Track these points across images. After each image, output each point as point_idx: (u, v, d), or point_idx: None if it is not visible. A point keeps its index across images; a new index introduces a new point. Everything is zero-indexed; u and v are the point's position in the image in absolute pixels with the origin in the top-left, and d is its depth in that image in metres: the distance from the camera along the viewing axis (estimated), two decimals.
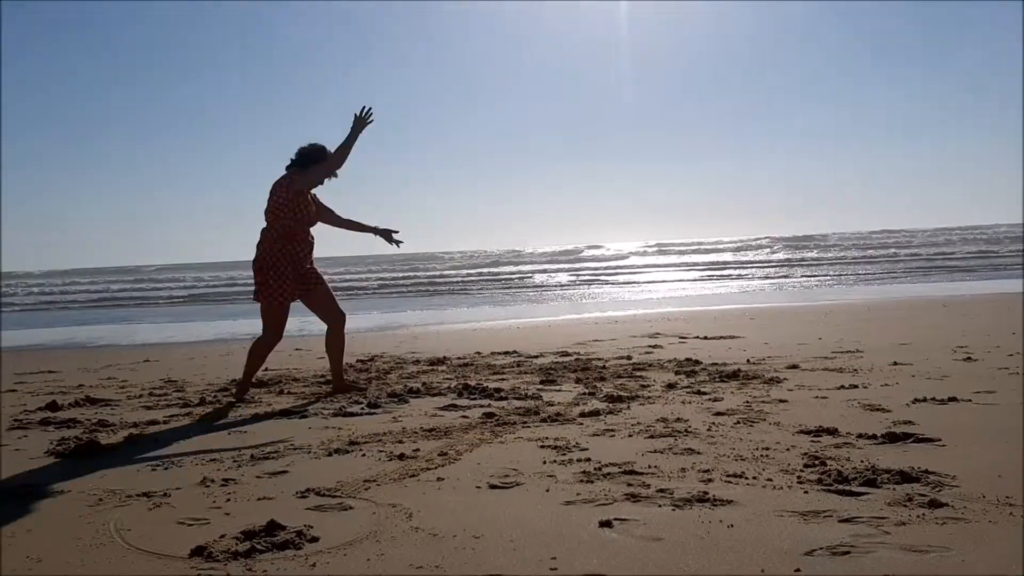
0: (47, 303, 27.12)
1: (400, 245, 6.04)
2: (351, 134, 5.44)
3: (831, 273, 25.98)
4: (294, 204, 5.45)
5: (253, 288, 5.61)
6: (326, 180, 5.61)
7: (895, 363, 6.12)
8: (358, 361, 7.60)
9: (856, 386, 5.20)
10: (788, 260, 35.28)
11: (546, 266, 39.74)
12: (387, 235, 6.01)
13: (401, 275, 35.20)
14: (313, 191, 5.68)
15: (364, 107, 5.44)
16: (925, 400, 4.59)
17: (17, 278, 54.57)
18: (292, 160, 5.56)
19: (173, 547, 2.59)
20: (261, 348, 5.56)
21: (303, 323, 12.30)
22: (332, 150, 5.52)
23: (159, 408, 5.36)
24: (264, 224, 5.52)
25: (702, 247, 54.67)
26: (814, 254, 38.54)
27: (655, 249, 55.94)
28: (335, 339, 5.78)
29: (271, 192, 5.49)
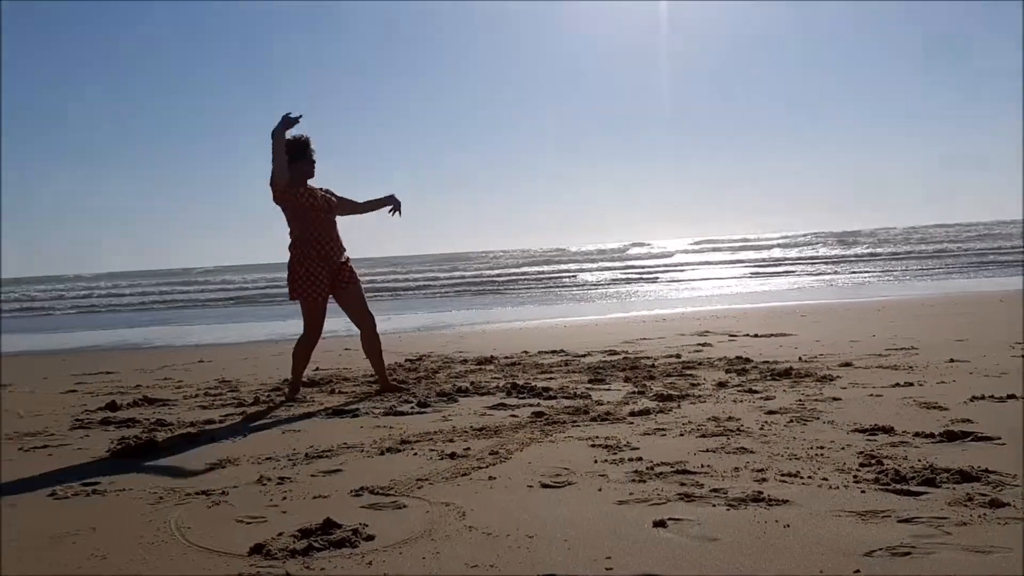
0: (100, 305, 27.73)
1: (398, 215, 6.03)
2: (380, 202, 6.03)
3: (882, 268, 25.52)
4: (292, 201, 5.53)
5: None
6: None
7: (951, 360, 5.99)
8: (407, 360, 7.66)
9: (911, 384, 5.11)
10: (839, 256, 34.72)
11: (592, 264, 39.61)
12: (396, 207, 6.02)
13: (445, 275, 35.35)
14: (330, 188, 5.84)
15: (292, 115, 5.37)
16: (983, 398, 4.49)
17: (68, 281, 55.86)
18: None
19: (232, 545, 2.64)
20: (303, 347, 5.70)
21: (350, 323, 12.42)
22: (307, 148, 5.59)
23: (214, 408, 5.46)
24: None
25: (748, 243, 54.06)
26: (864, 249, 37.88)
27: (701, 246, 55.46)
28: (369, 341, 5.87)
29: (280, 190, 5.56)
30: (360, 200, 6.04)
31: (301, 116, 5.35)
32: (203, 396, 6.01)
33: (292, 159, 5.50)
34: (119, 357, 9.85)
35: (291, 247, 5.63)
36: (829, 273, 24.96)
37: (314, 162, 5.64)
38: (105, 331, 15.72)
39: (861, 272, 24.42)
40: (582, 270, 34.81)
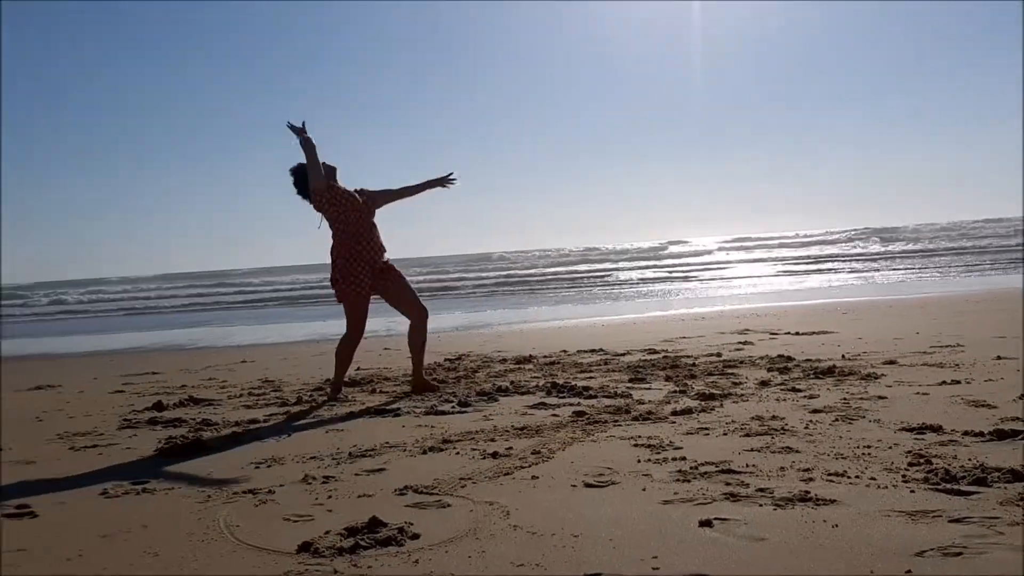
0: (146, 308, 28.20)
1: (455, 183, 6.03)
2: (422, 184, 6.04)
3: (923, 265, 25.12)
4: (335, 205, 5.66)
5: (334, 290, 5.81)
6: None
7: (999, 357, 5.88)
8: (446, 360, 7.69)
9: (959, 381, 5.02)
10: (879, 253, 34.23)
11: (628, 263, 39.46)
12: (443, 182, 6.02)
13: (481, 275, 35.42)
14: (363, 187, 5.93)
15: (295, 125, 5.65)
16: None
17: (111, 284, 56.84)
18: (294, 182, 5.85)
19: (280, 543, 2.67)
20: (346, 347, 5.80)
21: (391, 323, 12.51)
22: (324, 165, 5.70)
23: (258, 407, 5.54)
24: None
25: (786, 241, 53.48)
26: (904, 246, 37.30)
27: (739, 244, 54.99)
28: (417, 334, 5.87)
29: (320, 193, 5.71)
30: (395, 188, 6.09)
31: (304, 122, 5.64)
32: (247, 396, 6.09)
33: (305, 182, 5.71)
34: (164, 358, 10.01)
35: (333, 248, 5.73)
36: (870, 270, 24.62)
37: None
38: (149, 332, 15.97)
39: (902, 268, 24.05)
40: (618, 269, 34.69)
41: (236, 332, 14.51)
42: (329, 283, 5.81)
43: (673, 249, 54.07)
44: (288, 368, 7.89)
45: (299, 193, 5.82)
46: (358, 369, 7.38)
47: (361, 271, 5.64)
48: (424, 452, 3.91)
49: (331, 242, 5.74)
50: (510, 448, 3.88)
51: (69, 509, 3.24)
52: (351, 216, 5.65)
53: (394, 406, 5.24)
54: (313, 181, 5.60)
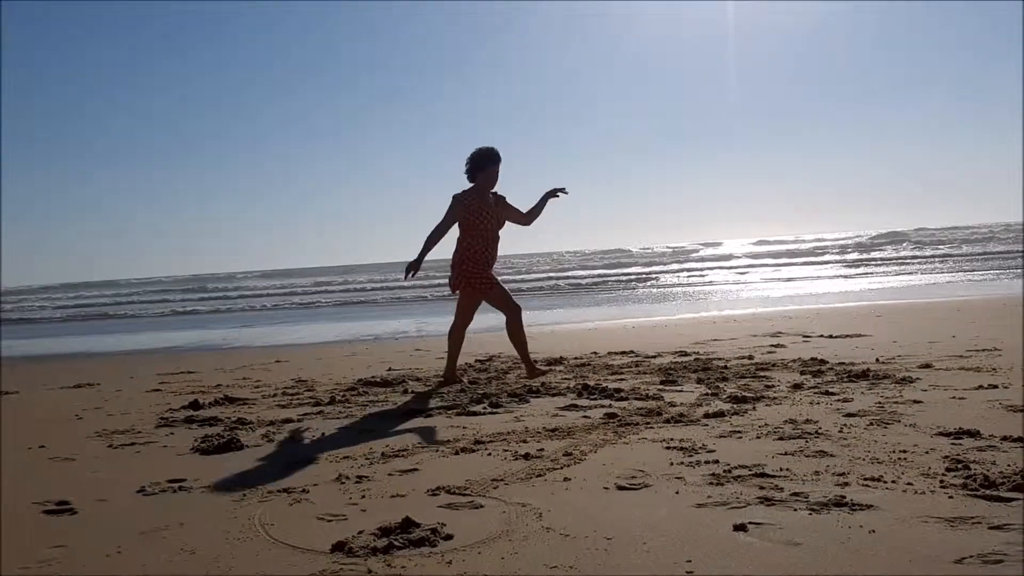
0: (182, 311, 28.54)
1: (566, 193, 6.64)
2: (540, 203, 6.61)
3: (958, 267, 24.73)
4: (474, 216, 6.26)
5: (449, 281, 6.47)
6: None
7: None
8: (476, 361, 7.72)
9: (996, 386, 4.95)
10: (915, 256, 33.77)
11: (659, 266, 39.26)
12: (555, 194, 6.62)
13: (515, 276, 35.42)
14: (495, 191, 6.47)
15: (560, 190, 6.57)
16: None
17: (151, 284, 57.56)
18: (467, 168, 6.34)
19: (315, 542, 2.69)
20: (455, 336, 6.55)
21: (421, 324, 12.57)
22: (490, 157, 6.31)
23: (292, 407, 5.58)
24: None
25: (819, 243, 52.95)
26: (940, 249, 36.76)
27: (770, 246, 54.51)
28: (514, 330, 6.41)
29: (451, 206, 6.28)
30: (524, 210, 6.62)
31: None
32: (281, 395, 6.15)
33: (477, 168, 6.29)
34: (199, 357, 10.13)
35: (459, 245, 6.38)
36: (904, 272, 24.30)
37: (496, 172, 6.35)
38: (185, 332, 16.16)
39: (938, 271, 23.71)
40: (650, 271, 34.54)
41: (270, 332, 14.63)
42: (452, 266, 6.41)
43: (704, 252, 53.73)
44: (321, 368, 7.95)
45: (469, 175, 6.36)
46: (389, 370, 7.42)
47: (479, 272, 6.30)
48: (456, 453, 3.92)
49: (458, 239, 6.39)
50: (541, 449, 3.88)
51: (108, 506, 3.29)
52: (483, 229, 6.28)
53: (426, 407, 5.25)
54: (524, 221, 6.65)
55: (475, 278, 6.30)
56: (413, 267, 6.16)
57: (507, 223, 6.57)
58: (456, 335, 6.53)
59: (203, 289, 41.92)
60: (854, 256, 36.09)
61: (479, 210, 6.25)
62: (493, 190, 6.42)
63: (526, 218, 6.60)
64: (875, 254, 36.42)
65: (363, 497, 3.23)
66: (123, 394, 6.75)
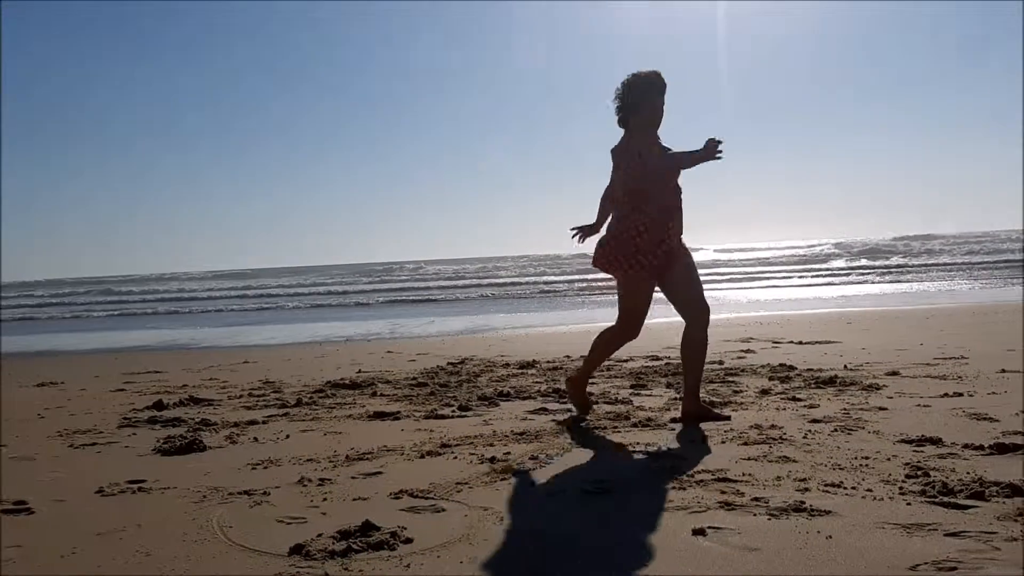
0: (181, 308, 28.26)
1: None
2: (695, 155, 4.35)
3: (932, 276, 25.02)
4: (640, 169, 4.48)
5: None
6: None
7: (1003, 371, 5.84)
8: (448, 363, 7.69)
9: (961, 394, 4.99)
10: (887, 265, 34.13)
11: None
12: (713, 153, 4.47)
13: (486, 280, 35.40)
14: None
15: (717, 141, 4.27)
16: None
17: (141, 281, 57.02)
18: (618, 110, 4.56)
19: (273, 545, 2.66)
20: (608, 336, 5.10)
21: (394, 325, 12.52)
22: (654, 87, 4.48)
23: (258, 408, 5.53)
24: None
25: (794, 249, 53.35)
26: (911, 258, 37.17)
27: (745, 252, 54.86)
28: (688, 344, 4.87)
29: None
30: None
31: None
32: (247, 396, 6.09)
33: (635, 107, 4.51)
34: (166, 357, 10.03)
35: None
36: (876, 281, 24.53)
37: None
38: (154, 331, 16.01)
39: (910, 279, 23.97)
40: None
41: (239, 332, 14.52)
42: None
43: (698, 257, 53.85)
44: (290, 369, 7.89)
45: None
46: (359, 372, 7.38)
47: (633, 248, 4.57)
48: (422, 456, 3.90)
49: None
50: (508, 453, 3.87)
51: (66, 507, 3.24)
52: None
53: (394, 409, 5.22)
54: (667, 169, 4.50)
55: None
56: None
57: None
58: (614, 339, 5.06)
59: (176, 288, 41.55)
60: (830, 264, 36.40)
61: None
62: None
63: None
64: (851, 262, 36.74)
65: (324, 500, 3.20)
66: (87, 393, 6.67)
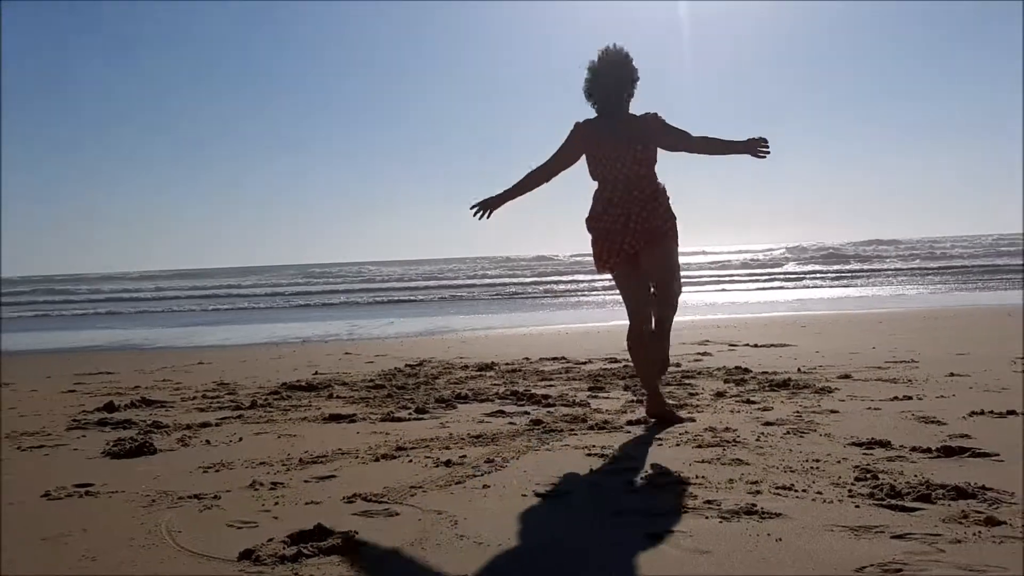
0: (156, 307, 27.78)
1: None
2: (735, 145, 4.38)
3: (886, 281, 25.47)
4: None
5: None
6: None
7: (952, 374, 5.96)
8: (407, 365, 7.65)
9: (911, 397, 5.08)
10: (842, 269, 34.66)
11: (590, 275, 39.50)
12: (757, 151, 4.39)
13: (443, 281, 35.34)
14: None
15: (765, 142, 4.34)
16: (983, 413, 4.46)
17: (82, 281, 55.97)
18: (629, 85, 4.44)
19: (222, 549, 2.63)
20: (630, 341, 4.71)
21: (353, 326, 12.43)
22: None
23: (212, 410, 5.46)
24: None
25: (752, 253, 53.99)
26: (865, 263, 37.81)
27: (706, 255, 55.38)
28: (651, 341, 4.57)
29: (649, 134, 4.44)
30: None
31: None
32: (201, 398, 6.01)
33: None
34: (119, 358, 9.86)
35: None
36: (832, 285, 24.91)
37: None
38: (108, 331, 15.73)
39: (865, 284, 24.37)
40: (584, 277, 34.77)
41: (194, 333, 14.33)
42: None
43: None
44: (246, 371, 7.80)
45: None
46: (316, 373, 7.31)
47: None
48: (376, 459, 3.87)
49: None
50: (464, 456, 3.86)
51: (11, 510, 3.16)
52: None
53: (350, 412, 5.18)
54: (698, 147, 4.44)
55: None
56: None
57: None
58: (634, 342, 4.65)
59: (125, 288, 40.88)
60: (785, 268, 36.88)
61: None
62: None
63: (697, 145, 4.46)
64: (805, 266, 37.27)
65: (276, 504, 3.16)
66: (37, 394, 6.52)
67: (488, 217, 4.53)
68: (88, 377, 7.62)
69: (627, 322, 4.71)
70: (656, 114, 4.49)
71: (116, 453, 4.13)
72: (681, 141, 4.47)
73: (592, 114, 4.54)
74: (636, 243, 4.39)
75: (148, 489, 3.44)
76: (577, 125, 4.48)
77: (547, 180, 4.58)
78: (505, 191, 4.56)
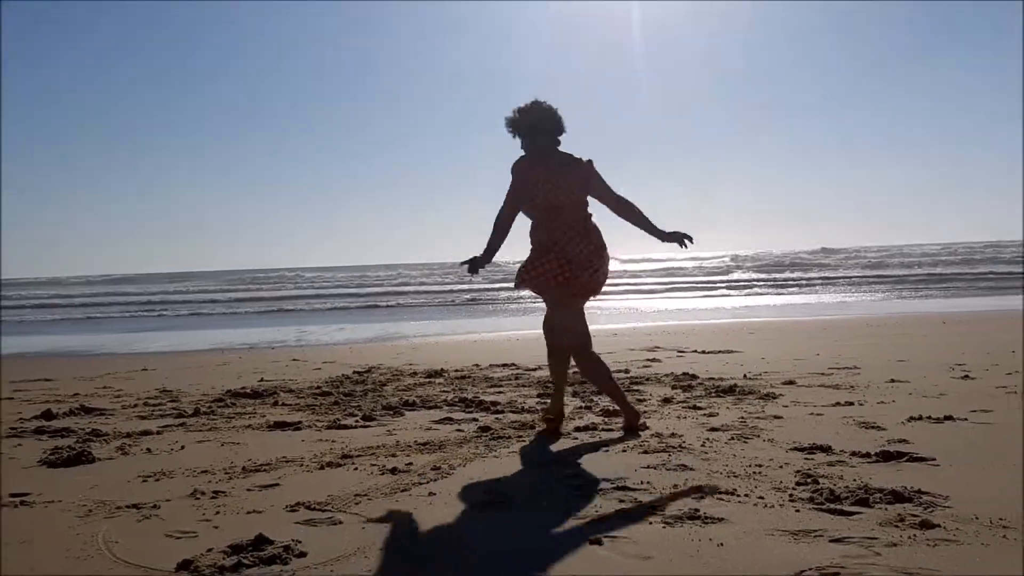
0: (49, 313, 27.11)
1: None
2: (658, 232, 4.65)
3: (830, 288, 25.96)
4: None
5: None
6: None
7: (892, 380, 6.10)
8: (354, 372, 7.59)
9: (852, 403, 5.18)
10: (790, 277, 35.24)
11: None
12: (682, 242, 4.66)
13: (399, 286, 35.16)
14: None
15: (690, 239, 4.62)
16: (921, 418, 4.57)
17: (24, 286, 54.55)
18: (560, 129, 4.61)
19: (160, 560, 2.57)
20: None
21: (301, 332, 12.28)
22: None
23: (153, 418, 5.35)
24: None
25: (703, 260, 54.64)
26: (812, 272, 38.51)
27: (653, 262, 55.89)
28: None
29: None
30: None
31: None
32: (142, 406, 5.88)
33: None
34: (59, 364, 9.61)
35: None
36: (779, 293, 25.32)
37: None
38: (47, 336, 15.35)
39: (810, 292, 24.81)
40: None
41: (138, 339, 14.04)
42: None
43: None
44: (189, 377, 7.66)
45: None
46: (261, 380, 7.21)
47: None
48: (321, 467, 3.83)
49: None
50: (410, 464, 3.84)
51: None
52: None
53: (295, 419, 5.12)
54: None
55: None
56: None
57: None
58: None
59: (67, 293, 39.96)
60: (732, 276, 37.37)
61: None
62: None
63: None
64: (753, 274, 37.80)
65: (217, 513, 3.11)
66: None
67: (477, 273, 4.64)
68: (26, 384, 7.42)
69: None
70: (591, 161, 4.60)
71: (53, 462, 4.02)
72: (606, 195, 4.64)
73: (519, 149, 4.62)
74: (596, 270, 4.56)
75: (85, 499, 3.36)
76: (524, 159, 4.52)
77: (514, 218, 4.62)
78: (488, 248, 4.58)
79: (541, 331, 4.81)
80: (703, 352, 8.55)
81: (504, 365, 7.88)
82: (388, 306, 24.13)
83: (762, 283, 30.43)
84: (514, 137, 4.63)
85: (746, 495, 3.12)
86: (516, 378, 6.89)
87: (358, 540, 2.74)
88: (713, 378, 6.44)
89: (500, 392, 6.13)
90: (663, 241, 4.66)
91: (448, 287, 34.11)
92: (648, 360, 7.92)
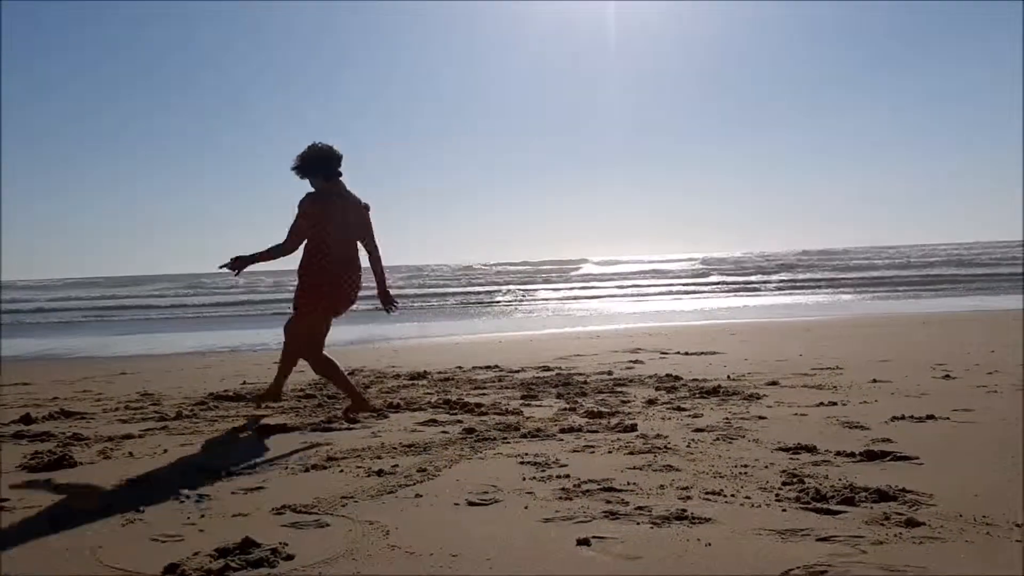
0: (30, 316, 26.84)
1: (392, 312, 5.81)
2: (380, 288, 5.74)
3: (812, 289, 26.13)
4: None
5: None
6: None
7: (874, 380, 6.14)
8: None
9: (835, 403, 5.22)
10: (775, 279, 35.44)
11: (533, 284, 39.68)
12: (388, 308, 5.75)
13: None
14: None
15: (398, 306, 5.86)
16: (903, 418, 4.61)
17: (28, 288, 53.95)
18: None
19: (146, 565, 2.55)
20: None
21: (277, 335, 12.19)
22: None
23: (135, 422, 5.30)
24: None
25: (688, 262, 54.86)
26: (797, 273, 38.75)
27: (641, 263, 56.07)
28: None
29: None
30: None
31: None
32: (123, 410, 5.83)
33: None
34: (38, 368, 9.51)
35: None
36: (761, 294, 25.45)
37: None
38: (27, 340, 15.18)
39: (792, 293, 24.96)
40: (520, 286, 34.89)
41: (118, 342, 13.92)
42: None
43: (584, 269, 54.69)
44: (171, 381, 7.60)
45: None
46: (244, 384, 7.18)
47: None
48: (307, 470, 3.81)
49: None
50: (396, 466, 3.82)
51: None
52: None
53: (280, 422, 5.09)
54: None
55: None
56: None
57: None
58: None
59: (42, 297, 39.56)
60: (712, 278, 37.55)
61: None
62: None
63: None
64: (740, 276, 38.00)
65: (203, 517, 3.08)
66: None
67: (238, 274, 5.17)
68: (4, 388, 7.33)
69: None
70: (368, 206, 5.40)
71: (33, 467, 3.97)
72: (370, 242, 5.45)
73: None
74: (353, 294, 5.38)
75: (68, 503, 3.32)
76: (311, 196, 5.10)
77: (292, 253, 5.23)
78: (256, 257, 5.12)
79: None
80: (686, 353, 8.57)
81: (487, 367, 7.87)
82: (366, 310, 24.05)
83: (741, 285, 30.58)
84: (301, 178, 5.22)
85: (732, 495, 3.13)
86: (499, 380, 6.88)
87: (345, 542, 2.73)
88: (697, 379, 6.46)
89: (484, 394, 6.12)
90: (379, 297, 5.71)
91: (427, 290, 34.06)
92: (631, 362, 7.94)
